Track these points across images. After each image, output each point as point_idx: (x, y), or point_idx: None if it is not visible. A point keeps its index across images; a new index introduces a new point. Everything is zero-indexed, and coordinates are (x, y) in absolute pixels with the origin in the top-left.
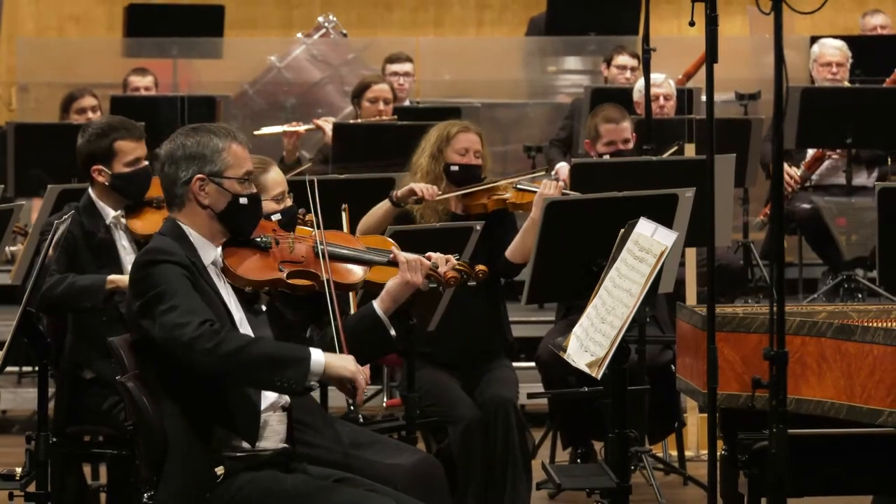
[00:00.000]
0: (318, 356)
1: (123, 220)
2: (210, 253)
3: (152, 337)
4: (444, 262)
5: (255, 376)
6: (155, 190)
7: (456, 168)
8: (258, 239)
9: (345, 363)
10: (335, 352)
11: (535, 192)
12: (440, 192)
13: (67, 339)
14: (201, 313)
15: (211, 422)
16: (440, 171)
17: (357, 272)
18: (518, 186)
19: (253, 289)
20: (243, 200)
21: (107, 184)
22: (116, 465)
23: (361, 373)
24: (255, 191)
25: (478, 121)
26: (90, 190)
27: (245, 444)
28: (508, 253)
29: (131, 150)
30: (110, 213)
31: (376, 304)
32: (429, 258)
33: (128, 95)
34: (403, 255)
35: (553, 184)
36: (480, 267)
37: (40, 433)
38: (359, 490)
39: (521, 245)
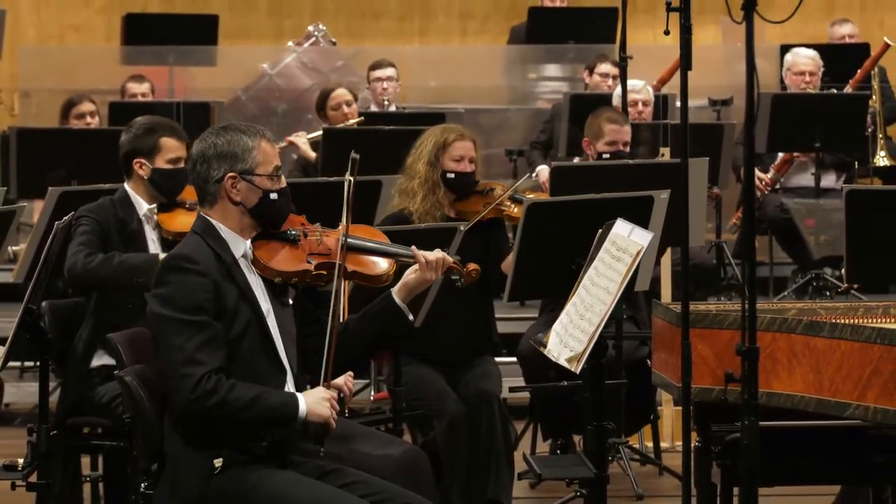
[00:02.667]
0: (302, 410)
1: (155, 217)
2: (240, 246)
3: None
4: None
5: (244, 432)
6: (189, 193)
7: (452, 176)
8: (288, 232)
9: (320, 411)
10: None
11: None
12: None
13: (84, 328)
14: (205, 361)
15: None
16: (438, 178)
17: (382, 265)
18: (516, 198)
19: (282, 280)
20: (273, 196)
21: (146, 177)
22: (114, 456)
23: (333, 417)
24: (284, 185)
25: (461, 125)
26: (126, 183)
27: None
28: (505, 266)
29: (175, 149)
30: (144, 206)
31: (395, 294)
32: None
33: (126, 101)
34: (423, 254)
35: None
36: (473, 266)
37: (41, 425)
38: (340, 491)
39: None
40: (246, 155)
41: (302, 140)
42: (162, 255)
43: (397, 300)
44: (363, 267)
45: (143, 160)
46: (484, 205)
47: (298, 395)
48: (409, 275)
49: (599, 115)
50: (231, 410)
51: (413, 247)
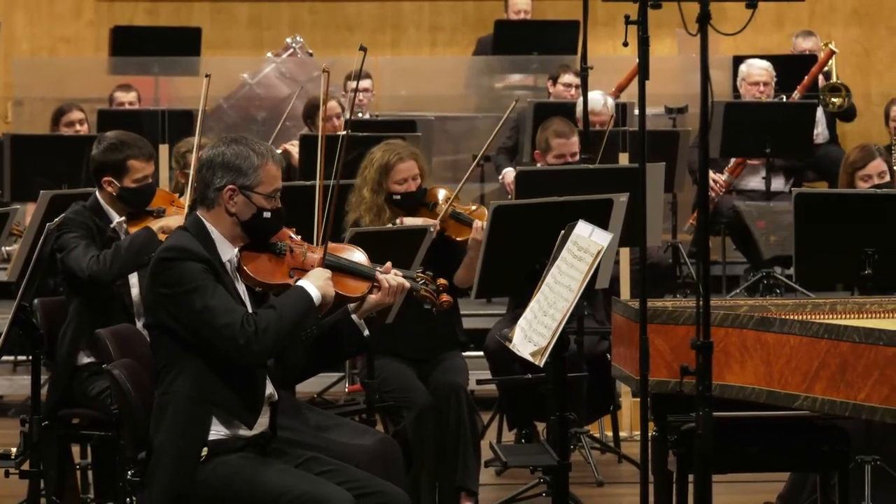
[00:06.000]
0: (316, 297)
1: (125, 226)
2: (228, 252)
3: (182, 324)
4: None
5: (291, 342)
6: (157, 201)
7: (398, 197)
8: (276, 245)
9: (328, 290)
10: None
11: (469, 226)
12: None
13: (68, 327)
14: (237, 310)
15: (214, 403)
16: (382, 203)
17: (359, 287)
18: (455, 215)
19: (263, 290)
20: (267, 214)
21: (114, 194)
22: (102, 445)
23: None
24: (279, 205)
25: (431, 132)
26: (98, 194)
27: (242, 431)
28: (456, 279)
29: (141, 169)
30: (115, 218)
31: (351, 311)
32: (387, 270)
33: (113, 109)
34: (385, 279)
35: (479, 227)
36: (441, 281)
37: (33, 416)
38: (318, 480)
39: (465, 274)
40: (250, 171)
41: (296, 149)
42: (155, 226)
43: (353, 316)
44: (341, 286)
45: (111, 178)
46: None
47: (302, 284)
48: (370, 296)
49: (547, 128)
50: (272, 339)
51: (377, 271)
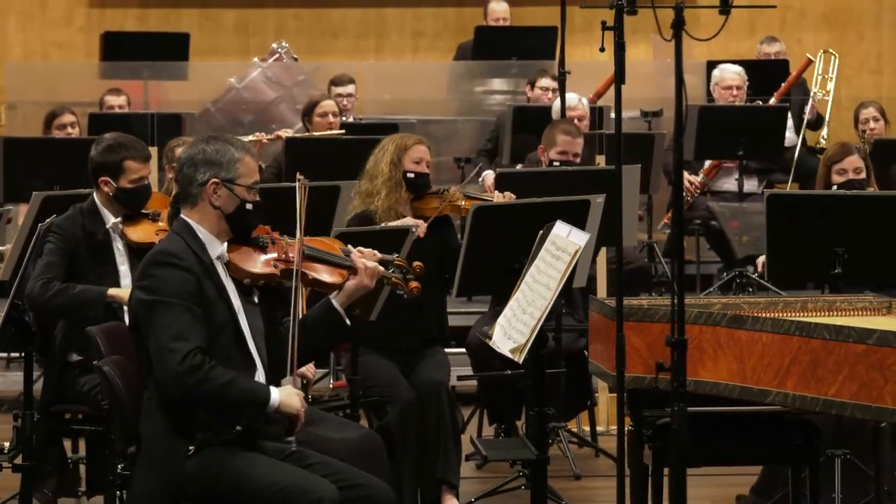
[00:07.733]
0: (274, 399)
1: (121, 227)
2: (216, 248)
3: (141, 329)
4: (372, 256)
5: (219, 410)
6: (153, 203)
7: (412, 175)
8: (258, 238)
9: (292, 402)
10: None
11: (485, 200)
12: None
13: (60, 327)
14: (191, 339)
15: (200, 407)
16: (399, 177)
17: (335, 275)
18: (468, 195)
19: (251, 281)
20: (249, 206)
21: (111, 194)
22: (94, 439)
23: (303, 410)
24: (258, 199)
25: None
26: (95, 195)
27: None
28: None
29: (138, 170)
30: (110, 219)
31: (333, 300)
32: (361, 253)
33: (104, 113)
34: (361, 262)
35: (502, 196)
36: (417, 263)
37: (26, 412)
38: (305, 473)
39: None
40: (231, 165)
41: (289, 135)
42: (111, 291)
43: (336, 304)
44: (320, 275)
45: (108, 178)
46: (440, 202)
47: (271, 387)
48: (349, 282)
49: (556, 126)
50: (211, 387)
51: (353, 253)
